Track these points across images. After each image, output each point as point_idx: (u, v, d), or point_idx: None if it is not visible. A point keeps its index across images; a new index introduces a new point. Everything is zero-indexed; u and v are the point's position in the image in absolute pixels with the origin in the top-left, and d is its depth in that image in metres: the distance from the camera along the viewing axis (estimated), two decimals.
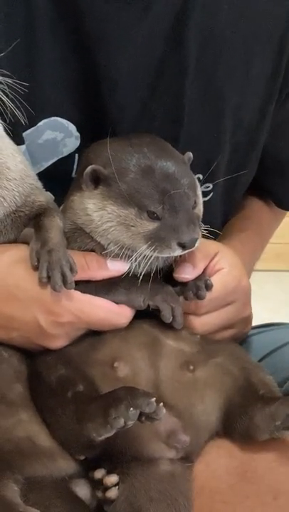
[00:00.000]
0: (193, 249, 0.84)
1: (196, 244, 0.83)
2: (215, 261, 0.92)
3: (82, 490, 0.85)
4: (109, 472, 0.83)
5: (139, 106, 0.98)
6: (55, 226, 0.87)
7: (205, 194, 1.03)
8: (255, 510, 0.81)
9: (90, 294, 0.85)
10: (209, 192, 1.05)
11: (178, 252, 0.83)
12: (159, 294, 0.86)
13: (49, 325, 0.85)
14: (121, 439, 0.81)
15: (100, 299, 0.85)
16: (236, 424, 0.84)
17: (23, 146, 0.96)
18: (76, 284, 0.82)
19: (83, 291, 0.85)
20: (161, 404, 0.76)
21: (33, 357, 0.90)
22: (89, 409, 0.78)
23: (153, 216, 0.83)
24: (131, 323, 0.88)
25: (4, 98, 0.82)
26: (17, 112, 0.84)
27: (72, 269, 0.82)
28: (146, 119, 0.98)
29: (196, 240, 0.83)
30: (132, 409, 0.74)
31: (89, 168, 0.85)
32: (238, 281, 0.93)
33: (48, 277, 0.81)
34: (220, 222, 1.13)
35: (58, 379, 0.84)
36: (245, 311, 0.98)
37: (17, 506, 0.76)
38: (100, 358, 0.87)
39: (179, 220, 0.82)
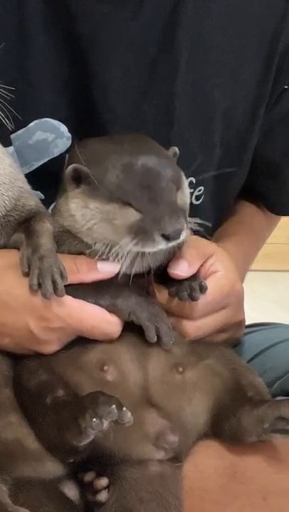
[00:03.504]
0: (179, 241, 0.81)
1: (182, 237, 0.81)
2: (210, 262, 0.90)
3: (71, 490, 0.85)
4: (98, 475, 0.83)
5: (130, 107, 0.98)
6: (46, 231, 0.85)
7: (197, 198, 1.03)
8: (244, 511, 0.82)
9: (79, 297, 0.84)
10: (201, 195, 1.05)
11: (162, 244, 0.80)
12: (145, 313, 0.84)
13: (40, 331, 0.84)
14: (109, 442, 0.81)
15: (92, 305, 0.84)
16: (225, 426, 0.84)
17: (11, 148, 0.96)
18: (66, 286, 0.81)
19: (73, 295, 0.83)
20: (125, 408, 0.74)
21: (17, 362, 0.88)
22: (63, 418, 0.78)
23: (135, 210, 0.81)
24: None
25: None
26: (3, 117, 0.83)
27: (62, 276, 0.81)
28: (137, 121, 0.98)
29: (180, 230, 0.80)
30: (94, 419, 0.73)
31: (70, 168, 0.84)
32: (233, 285, 0.92)
33: (39, 284, 0.80)
34: (212, 226, 1.12)
35: (37, 385, 0.83)
36: (238, 315, 0.97)
37: (6, 506, 0.76)
38: (90, 360, 0.86)
39: (161, 212, 0.80)
